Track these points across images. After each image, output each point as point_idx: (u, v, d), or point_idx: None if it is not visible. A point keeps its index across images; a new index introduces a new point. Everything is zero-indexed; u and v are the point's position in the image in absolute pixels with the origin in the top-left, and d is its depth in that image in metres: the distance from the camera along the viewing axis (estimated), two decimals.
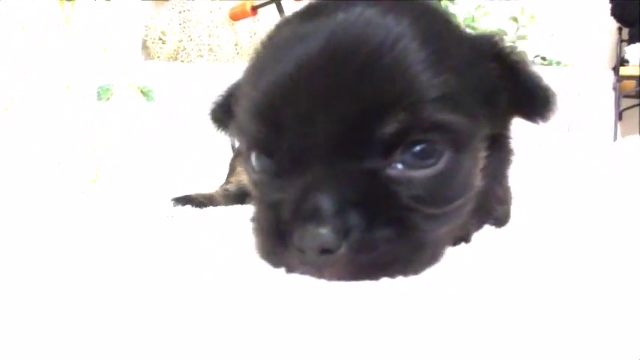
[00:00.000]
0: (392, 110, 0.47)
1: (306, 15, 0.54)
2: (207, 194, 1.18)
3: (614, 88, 2.59)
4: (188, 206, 1.00)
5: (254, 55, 0.56)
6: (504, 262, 0.54)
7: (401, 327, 0.39)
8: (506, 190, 0.72)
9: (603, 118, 2.53)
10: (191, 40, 2.08)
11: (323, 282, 0.47)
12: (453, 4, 2.21)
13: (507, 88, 0.57)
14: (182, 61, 2.09)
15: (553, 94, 0.58)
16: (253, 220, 0.57)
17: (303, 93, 0.49)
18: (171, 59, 2.10)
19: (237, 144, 1.33)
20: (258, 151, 0.55)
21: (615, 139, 2.53)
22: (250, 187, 0.60)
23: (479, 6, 2.66)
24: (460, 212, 0.54)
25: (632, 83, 2.66)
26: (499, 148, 0.61)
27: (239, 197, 1.17)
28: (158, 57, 2.10)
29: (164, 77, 1.93)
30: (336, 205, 0.47)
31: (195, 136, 1.89)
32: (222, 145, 1.76)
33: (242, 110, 0.54)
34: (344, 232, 0.46)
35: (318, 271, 0.48)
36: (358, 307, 0.43)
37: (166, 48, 2.07)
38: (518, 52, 0.58)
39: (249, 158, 0.56)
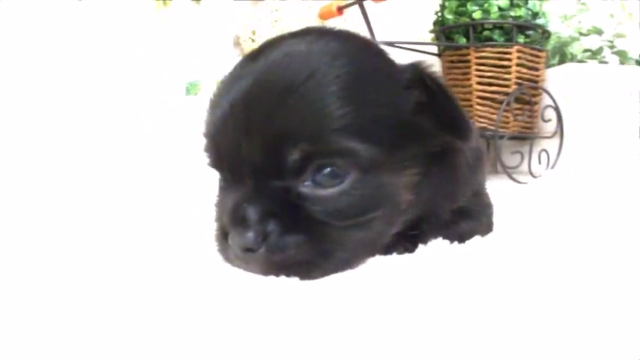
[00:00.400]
0: (296, 140, 0.58)
1: (252, 55, 0.67)
2: None
3: None
4: None
5: (215, 89, 0.69)
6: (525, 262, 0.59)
7: (391, 328, 0.45)
8: (469, 206, 0.78)
9: None
10: None
11: (317, 285, 0.57)
12: (545, 1, 2.16)
13: (430, 113, 0.63)
14: None
15: (465, 121, 0.65)
16: (215, 220, 0.70)
17: (233, 126, 0.61)
18: None
19: None
20: (213, 168, 0.69)
21: None
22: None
23: (580, 1, 2.61)
24: (372, 225, 0.62)
25: None
26: (441, 166, 0.69)
27: None
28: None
29: None
30: (258, 215, 0.59)
31: None
32: None
33: (205, 135, 0.68)
34: (263, 236, 0.59)
35: (246, 265, 0.61)
36: (351, 310, 0.49)
37: (256, 45, 2.15)
38: (439, 80, 0.64)
39: None
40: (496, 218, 0.85)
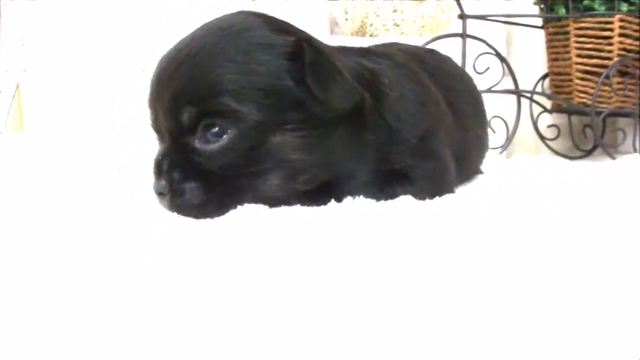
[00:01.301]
0: (185, 102, 0.71)
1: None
2: None
3: None
4: None
5: None
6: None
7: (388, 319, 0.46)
8: (405, 169, 0.84)
9: None
10: (377, 16, 2.19)
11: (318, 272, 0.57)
12: None
13: (310, 83, 0.72)
14: (370, 35, 2.21)
15: (323, 92, 0.72)
16: None
17: (156, 92, 0.76)
18: (358, 34, 2.23)
19: None
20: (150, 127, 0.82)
21: None
22: None
23: None
24: (264, 177, 0.74)
25: None
26: (347, 126, 0.77)
27: None
28: (345, 32, 2.24)
29: None
30: (167, 167, 0.74)
31: None
32: None
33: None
34: (170, 183, 0.73)
35: (162, 205, 0.76)
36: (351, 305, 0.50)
37: (350, 24, 2.21)
38: (321, 54, 0.73)
39: None
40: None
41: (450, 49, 1.97)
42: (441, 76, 1.01)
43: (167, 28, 1.96)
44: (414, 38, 2.10)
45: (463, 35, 2.00)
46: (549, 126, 2.27)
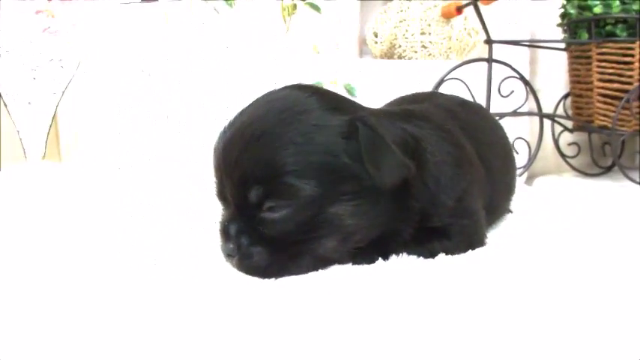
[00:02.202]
0: (253, 182, 0.81)
1: (244, 107, 0.89)
2: None
3: None
4: None
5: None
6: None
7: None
8: (444, 226, 0.94)
9: None
10: (405, 38, 2.28)
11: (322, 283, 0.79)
12: None
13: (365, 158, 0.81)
14: (398, 57, 2.30)
15: (376, 170, 0.82)
16: None
17: (221, 165, 0.85)
18: (385, 56, 2.32)
19: None
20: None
21: None
22: None
23: None
24: (320, 242, 0.84)
25: None
26: (393, 193, 0.85)
27: None
28: (374, 54, 2.34)
29: (375, 74, 2.17)
30: (235, 232, 0.84)
31: None
32: None
33: None
34: (238, 247, 0.83)
35: (232, 264, 0.85)
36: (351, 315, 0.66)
37: (379, 46, 2.30)
38: (367, 132, 0.82)
39: None
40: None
41: (475, 73, 2.07)
42: (473, 130, 1.09)
43: (167, 29, 2.02)
44: (441, 62, 2.19)
45: (489, 60, 2.09)
46: (570, 144, 2.36)
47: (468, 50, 2.29)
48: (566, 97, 2.35)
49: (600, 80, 2.08)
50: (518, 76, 2.14)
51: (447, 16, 2.22)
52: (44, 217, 1.03)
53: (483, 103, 2.05)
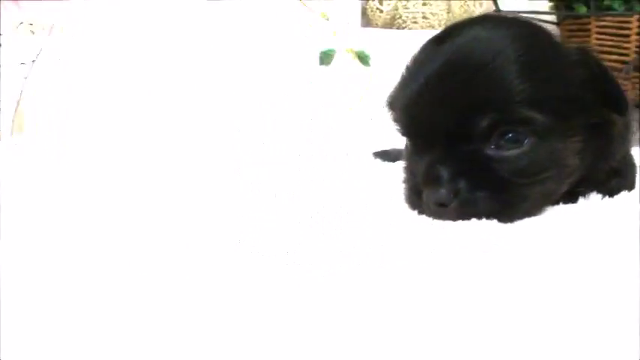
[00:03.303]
0: (486, 110, 0.73)
1: (437, 40, 0.81)
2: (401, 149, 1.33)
3: None
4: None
5: (404, 70, 0.83)
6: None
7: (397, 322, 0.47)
8: (619, 166, 0.90)
9: None
10: (406, 8, 2.28)
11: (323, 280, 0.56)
12: None
13: (593, 90, 0.77)
14: (398, 28, 2.30)
15: (623, 98, 0.79)
16: (403, 181, 0.85)
17: (428, 99, 0.76)
18: (387, 26, 2.32)
19: None
20: (405, 136, 0.84)
21: None
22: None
23: None
24: (546, 183, 0.76)
25: None
26: (600, 135, 0.81)
27: None
28: (376, 24, 2.32)
29: (380, 43, 2.16)
30: (450, 175, 0.73)
31: None
32: None
33: (397, 108, 0.82)
34: (454, 193, 0.72)
35: (438, 217, 0.74)
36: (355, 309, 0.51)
37: (383, 16, 2.29)
38: (601, 62, 0.79)
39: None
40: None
41: None
42: None
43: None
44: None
45: None
46: None
47: None
48: None
49: (599, 52, 2.14)
50: None
51: None
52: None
53: None
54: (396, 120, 0.83)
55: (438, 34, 0.84)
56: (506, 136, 0.74)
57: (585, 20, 2.18)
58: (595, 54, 0.81)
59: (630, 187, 0.92)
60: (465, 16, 2.29)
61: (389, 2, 2.27)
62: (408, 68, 0.82)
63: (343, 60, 2.08)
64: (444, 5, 2.28)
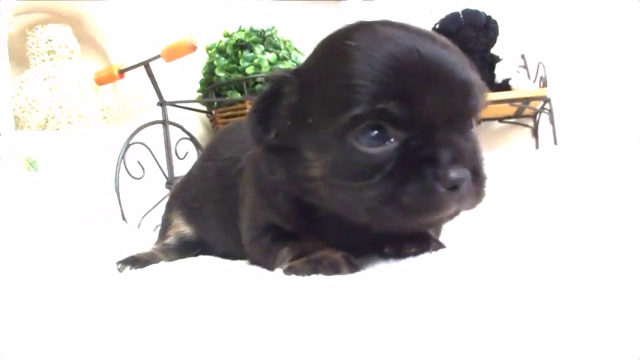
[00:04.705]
0: (477, 95, 0.73)
1: (388, 40, 0.72)
2: (149, 252, 1.20)
3: None
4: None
5: (344, 52, 0.72)
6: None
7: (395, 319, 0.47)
8: None
9: None
10: (60, 107, 2.07)
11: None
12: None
13: None
14: (54, 129, 2.08)
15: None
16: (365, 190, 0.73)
17: (446, 75, 0.70)
18: (41, 128, 2.08)
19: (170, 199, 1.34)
20: (389, 124, 0.70)
21: None
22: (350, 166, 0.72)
23: None
24: None
25: None
26: None
27: (179, 249, 1.23)
28: (28, 127, 2.05)
29: (38, 147, 1.91)
30: (470, 152, 0.71)
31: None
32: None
33: (370, 94, 0.69)
34: (474, 170, 0.70)
35: (444, 203, 0.68)
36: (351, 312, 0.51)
37: (37, 116, 2.05)
38: None
39: (360, 139, 0.70)
40: None
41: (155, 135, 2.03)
42: None
43: None
44: (117, 128, 2.08)
45: (164, 122, 2.07)
46: None
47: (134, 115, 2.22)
48: None
49: None
50: (188, 137, 2.17)
51: (103, 81, 2.08)
52: None
53: (165, 166, 2.02)
54: (394, 108, 0.70)
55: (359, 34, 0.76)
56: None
57: (241, 105, 2.29)
58: None
59: None
60: (128, 109, 2.20)
61: (44, 101, 2.03)
62: (365, 51, 0.72)
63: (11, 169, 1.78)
64: (98, 102, 2.15)
